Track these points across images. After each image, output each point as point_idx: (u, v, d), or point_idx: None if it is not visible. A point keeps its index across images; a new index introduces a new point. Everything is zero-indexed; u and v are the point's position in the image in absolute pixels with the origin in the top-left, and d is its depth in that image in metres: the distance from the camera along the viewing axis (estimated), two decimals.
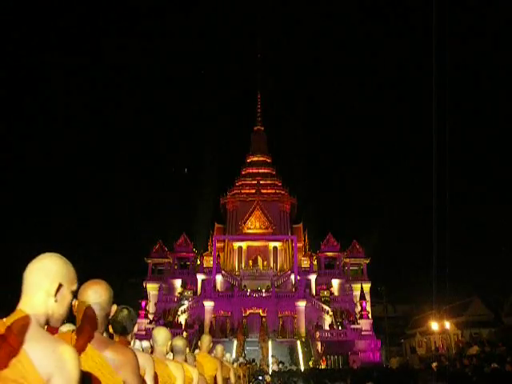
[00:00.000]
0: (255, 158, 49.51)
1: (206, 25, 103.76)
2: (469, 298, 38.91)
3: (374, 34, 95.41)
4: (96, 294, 1.89)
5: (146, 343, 3.67)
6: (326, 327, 32.97)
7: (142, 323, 32.81)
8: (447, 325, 31.35)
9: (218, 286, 37.19)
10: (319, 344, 29.70)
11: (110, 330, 2.62)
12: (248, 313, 33.52)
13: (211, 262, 39.65)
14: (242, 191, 46.16)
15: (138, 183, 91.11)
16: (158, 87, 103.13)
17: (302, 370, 23.14)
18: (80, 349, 1.73)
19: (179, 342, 3.62)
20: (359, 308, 35.87)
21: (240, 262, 41.97)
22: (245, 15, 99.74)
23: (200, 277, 38.63)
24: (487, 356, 16.42)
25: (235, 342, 29.63)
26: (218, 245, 41.10)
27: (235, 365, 10.58)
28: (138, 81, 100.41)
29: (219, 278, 37.83)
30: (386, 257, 50.71)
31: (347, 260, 40.98)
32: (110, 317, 1.99)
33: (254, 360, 25.15)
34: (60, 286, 1.47)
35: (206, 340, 4.81)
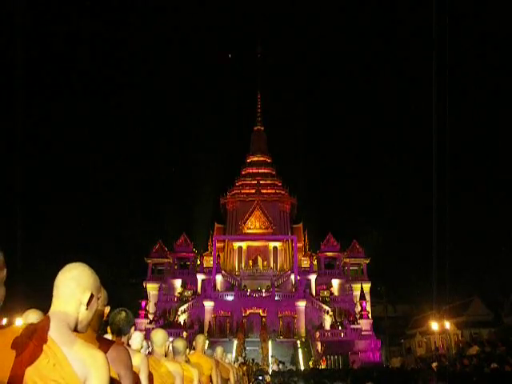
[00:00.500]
0: (255, 158, 49.53)
1: (206, 25, 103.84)
2: (469, 298, 38.93)
3: (374, 34, 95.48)
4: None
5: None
6: (326, 327, 32.99)
7: (142, 323, 32.82)
8: (447, 325, 31.32)
9: (218, 286, 37.21)
10: (319, 344, 29.72)
11: (108, 331, 2.65)
12: (248, 313, 33.53)
13: (211, 262, 39.66)
14: (242, 191, 46.17)
15: (137, 183, 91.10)
16: (158, 87, 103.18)
17: (302, 370, 23.15)
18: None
19: (179, 343, 3.76)
20: (359, 308, 35.89)
21: (240, 262, 41.98)
22: (245, 15, 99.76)
23: (200, 277, 38.64)
24: (487, 356, 16.42)
25: (235, 342, 29.64)
26: (218, 245, 41.11)
27: (236, 365, 10.59)
28: (138, 81, 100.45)
29: (219, 278, 37.84)
30: (386, 257, 50.68)
31: (347, 260, 40.99)
32: (104, 317, 2.07)
33: (254, 360, 25.16)
34: (92, 296, 1.63)
35: (200, 340, 4.89)
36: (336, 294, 38.40)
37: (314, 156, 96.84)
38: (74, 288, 1.58)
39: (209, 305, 34.30)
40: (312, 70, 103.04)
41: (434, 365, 16.18)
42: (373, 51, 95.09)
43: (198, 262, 40.17)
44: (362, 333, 32.60)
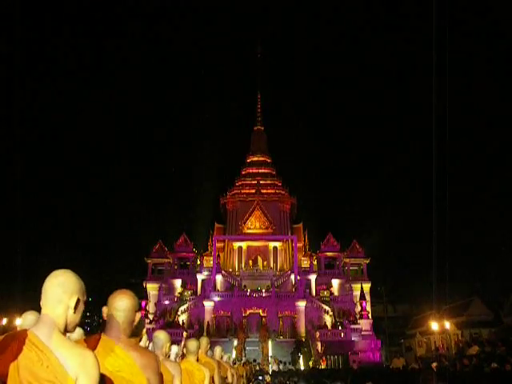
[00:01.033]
0: (255, 158, 49.51)
1: (206, 25, 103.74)
2: (469, 298, 38.93)
3: (374, 34, 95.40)
4: (121, 303, 2.16)
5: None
6: (326, 327, 32.96)
7: None
8: (447, 325, 31.32)
9: (218, 286, 37.20)
10: (319, 344, 29.71)
11: None
12: (248, 313, 33.52)
13: (211, 262, 39.65)
14: (242, 191, 46.16)
15: (137, 183, 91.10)
16: (158, 87, 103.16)
17: (302, 370, 23.15)
18: (108, 348, 2.05)
19: (192, 343, 4.00)
20: (359, 308, 35.88)
21: (240, 262, 41.97)
22: (245, 15, 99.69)
23: (200, 277, 38.63)
24: (487, 356, 16.40)
25: (235, 342, 29.64)
26: (218, 245, 41.10)
27: (237, 365, 10.64)
28: (138, 81, 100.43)
29: (219, 278, 37.83)
30: (386, 257, 50.73)
31: (347, 260, 40.99)
32: (134, 323, 2.22)
33: (254, 360, 25.15)
34: (78, 300, 1.75)
35: (204, 342, 5.05)
36: (336, 294, 38.38)
37: (314, 156, 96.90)
38: (61, 294, 1.71)
39: (209, 305, 34.30)
40: (312, 70, 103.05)
41: (434, 365, 16.15)
42: (373, 51, 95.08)
43: (198, 262, 40.16)
44: (362, 333, 32.58)
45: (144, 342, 3.56)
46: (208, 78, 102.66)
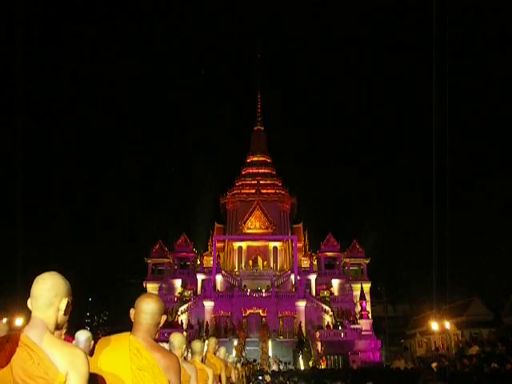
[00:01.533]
0: (255, 158, 49.51)
1: (206, 25, 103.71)
2: (469, 298, 38.93)
3: (374, 34, 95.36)
4: (147, 305, 2.32)
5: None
6: (326, 327, 32.97)
7: None
8: (447, 325, 31.33)
9: (218, 286, 37.20)
10: (319, 344, 29.71)
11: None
12: (248, 313, 33.54)
13: (211, 262, 39.64)
14: (242, 191, 46.16)
15: (138, 183, 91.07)
16: (158, 87, 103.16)
17: (302, 370, 23.15)
18: (134, 348, 2.20)
19: (197, 344, 4.17)
20: (359, 308, 35.89)
21: (240, 262, 41.96)
22: (245, 15, 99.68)
23: (200, 277, 38.62)
24: (487, 356, 16.41)
25: (235, 342, 29.65)
26: (218, 245, 41.10)
27: (238, 365, 10.76)
28: (138, 80, 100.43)
29: (219, 278, 37.84)
30: (386, 257, 50.72)
31: (347, 260, 40.99)
32: (160, 325, 2.37)
33: (254, 360, 25.17)
34: (68, 302, 1.87)
35: (212, 342, 5.32)
36: (336, 294, 38.38)
37: (314, 156, 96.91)
38: (52, 297, 1.81)
39: (209, 305, 34.30)
40: (312, 70, 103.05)
41: (434, 365, 16.15)
42: (373, 51, 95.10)
43: (198, 262, 40.15)
44: (362, 333, 32.60)
45: None
46: (208, 78, 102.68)
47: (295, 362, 27.81)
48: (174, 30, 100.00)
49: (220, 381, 5.07)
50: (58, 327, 1.86)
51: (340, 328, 32.18)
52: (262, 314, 33.33)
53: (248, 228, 42.67)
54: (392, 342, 41.67)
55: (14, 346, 1.68)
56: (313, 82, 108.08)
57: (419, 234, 56.57)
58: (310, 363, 27.23)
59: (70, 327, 2.21)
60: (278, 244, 42.46)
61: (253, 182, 46.23)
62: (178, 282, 39.04)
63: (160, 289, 37.52)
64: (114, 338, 2.31)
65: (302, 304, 34.15)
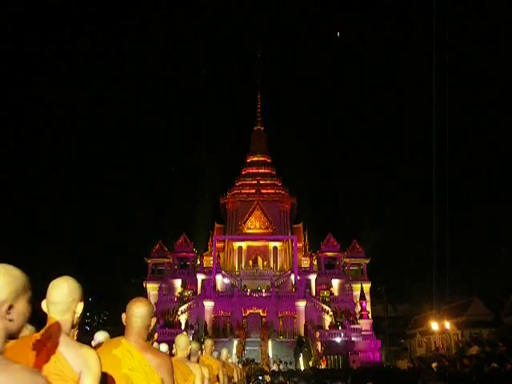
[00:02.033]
0: (255, 158, 49.50)
1: (206, 25, 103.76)
2: (469, 298, 38.93)
3: (374, 34, 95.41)
4: (138, 309, 2.40)
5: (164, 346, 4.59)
6: (326, 327, 32.96)
7: None
8: (447, 325, 31.36)
9: (218, 286, 37.18)
10: (319, 344, 29.70)
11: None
12: (248, 313, 33.52)
13: (211, 262, 39.62)
14: (242, 191, 46.14)
15: (138, 183, 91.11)
16: (158, 87, 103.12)
17: (302, 370, 23.14)
18: (126, 351, 2.32)
19: (194, 346, 4.27)
20: (359, 308, 35.88)
21: (240, 262, 41.95)
22: (244, 15, 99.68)
23: (200, 277, 38.60)
24: (487, 356, 16.39)
25: (235, 342, 29.63)
26: (218, 245, 41.08)
27: (239, 365, 10.84)
28: (138, 80, 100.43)
29: (219, 278, 37.82)
30: (386, 257, 50.71)
31: (347, 260, 40.97)
32: (150, 328, 2.43)
33: (254, 360, 25.15)
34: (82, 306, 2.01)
35: (208, 344, 5.45)
36: (336, 294, 38.36)
37: (314, 156, 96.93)
38: (70, 303, 1.94)
39: (209, 305, 34.29)
40: (312, 70, 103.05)
41: (434, 365, 16.13)
42: (373, 50, 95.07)
43: (198, 262, 40.12)
44: (362, 333, 32.58)
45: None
46: (208, 78, 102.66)
47: (295, 362, 27.77)
48: (174, 30, 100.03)
49: (218, 380, 5.16)
50: (73, 326, 1.99)
51: (340, 328, 32.17)
52: (262, 314, 33.32)
53: (248, 228, 42.66)
54: (392, 342, 41.64)
55: (55, 345, 1.80)
56: (313, 82, 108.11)
57: (419, 233, 56.63)
58: (310, 363, 27.20)
59: None
60: (277, 244, 42.45)
61: (253, 182, 46.23)
62: (178, 282, 39.02)
63: (160, 289, 37.50)
64: (107, 342, 2.45)
65: (301, 304, 34.14)
